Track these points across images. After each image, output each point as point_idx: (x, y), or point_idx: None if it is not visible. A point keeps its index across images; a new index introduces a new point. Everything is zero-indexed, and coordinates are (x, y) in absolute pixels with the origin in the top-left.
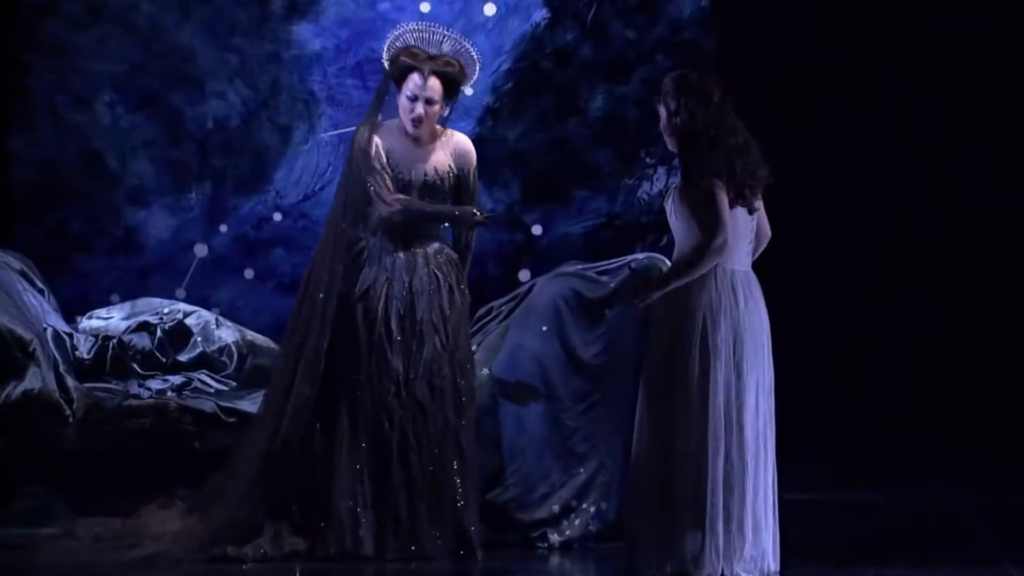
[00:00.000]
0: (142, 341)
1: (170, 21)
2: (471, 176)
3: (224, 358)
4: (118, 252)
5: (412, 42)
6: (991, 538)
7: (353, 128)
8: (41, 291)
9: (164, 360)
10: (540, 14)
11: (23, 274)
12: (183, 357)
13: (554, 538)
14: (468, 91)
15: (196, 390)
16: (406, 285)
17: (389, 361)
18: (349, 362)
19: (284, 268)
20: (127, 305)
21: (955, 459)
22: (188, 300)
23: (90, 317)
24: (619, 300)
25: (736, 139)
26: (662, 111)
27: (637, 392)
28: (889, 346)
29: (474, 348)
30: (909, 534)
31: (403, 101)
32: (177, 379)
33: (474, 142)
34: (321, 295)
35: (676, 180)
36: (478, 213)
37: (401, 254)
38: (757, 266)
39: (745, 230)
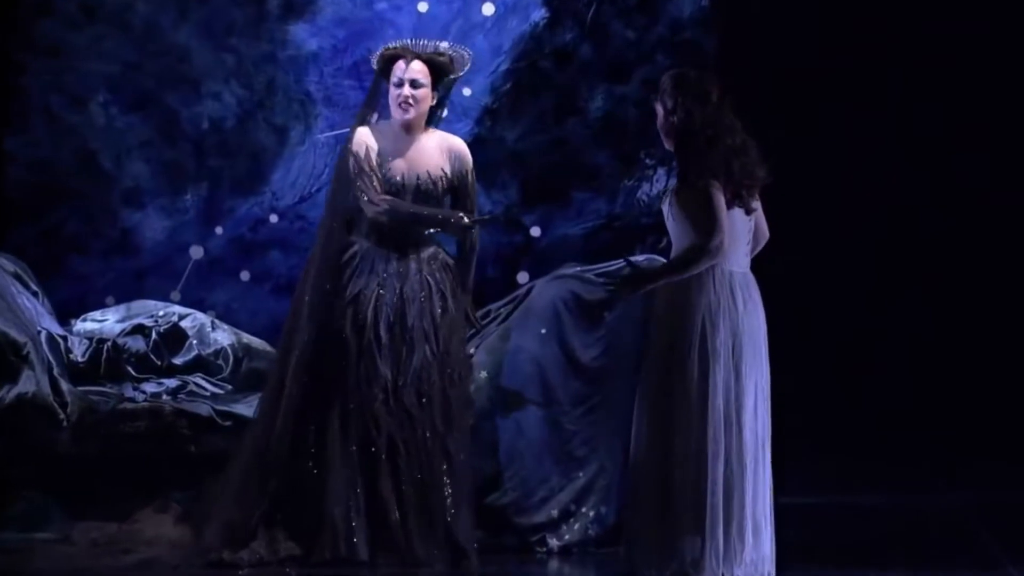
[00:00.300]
0: (137, 344)
1: (165, 21)
2: (468, 179)
3: (220, 361)
4: (113, 254)
5: (401, 44)
6: (991, 539)
7: (348, 129)
8: (35, 294)
9: (159, 363)
10: (539, 14)
11: (17, 277)
12: (178, 360)
13: (553, 542)
14: (466, 91)
15: (191, 393)
16: (397, 291)
17: (378, 368)
18: (338, 367)
19: (280, 270)
20: (122, 307)
21: (955, 459)
22: (184, 302)
23: (84, 319)
24: (612, 293)
25: (734, 139)
26: (659, 109)
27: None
28: (889, 346)
29: (472, 351)
30: (909, 536)
31: (391, 90)
32: (172, 382)
33: (472, 143)
34: (307, 297)
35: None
36: (466, 218)
37: (394, 259)
38: (756, 266)
39: (743, 231)
